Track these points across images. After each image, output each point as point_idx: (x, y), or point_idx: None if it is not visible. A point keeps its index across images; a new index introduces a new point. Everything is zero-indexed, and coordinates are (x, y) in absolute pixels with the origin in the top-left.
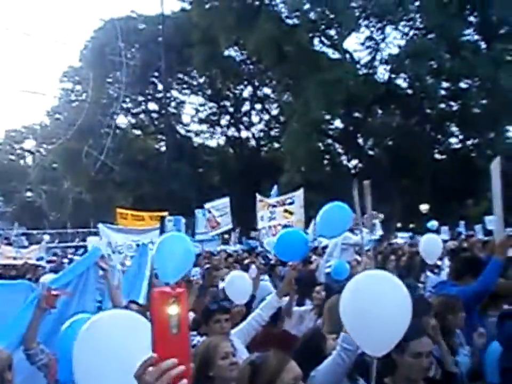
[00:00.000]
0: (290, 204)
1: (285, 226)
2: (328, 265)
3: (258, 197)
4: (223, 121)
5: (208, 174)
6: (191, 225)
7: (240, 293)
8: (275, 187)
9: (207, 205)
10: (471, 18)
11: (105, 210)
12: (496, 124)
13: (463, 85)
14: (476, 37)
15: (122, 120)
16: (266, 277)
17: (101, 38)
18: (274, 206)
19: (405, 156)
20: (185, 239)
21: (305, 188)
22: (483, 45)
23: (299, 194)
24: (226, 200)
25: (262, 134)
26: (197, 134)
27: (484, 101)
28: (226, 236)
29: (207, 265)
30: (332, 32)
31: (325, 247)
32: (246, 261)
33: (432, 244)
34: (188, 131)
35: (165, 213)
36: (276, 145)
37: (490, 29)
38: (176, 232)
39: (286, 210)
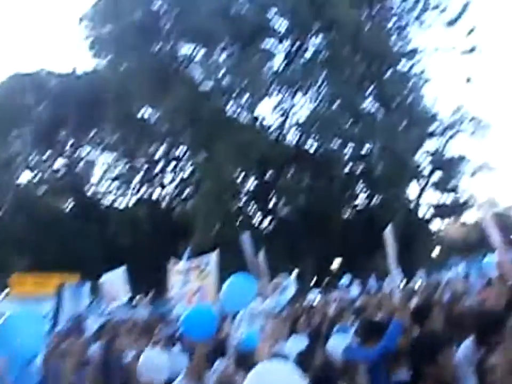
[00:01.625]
0: (204, 267)
1: (198, 290)
2: (238, 334)
3: (171, 260)
4: (135, 181)
5: (118, 236)
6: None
7: (156, 372)
8: (188, 249)
9: (102, 278)
10: (370, 91)
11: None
12: (396, 184)
13: (365, 149)
14: (376, 106)
15: (25, 177)
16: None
17: (5, 92)
18: (187, 269)
19: (316, 214)
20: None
21: (219, 249)
22: (382, 112)
23: (213, 256)
24: (121, 270)
25: (174, 194)
26: (106, 194)
27: (385, 164)
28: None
29: (109, 339)
30: (245, 97)
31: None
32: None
33: None
34: (97, 191)
35: (72, 277)
36: (189, 206)
37: (387, 99)
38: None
39: (200, 273)
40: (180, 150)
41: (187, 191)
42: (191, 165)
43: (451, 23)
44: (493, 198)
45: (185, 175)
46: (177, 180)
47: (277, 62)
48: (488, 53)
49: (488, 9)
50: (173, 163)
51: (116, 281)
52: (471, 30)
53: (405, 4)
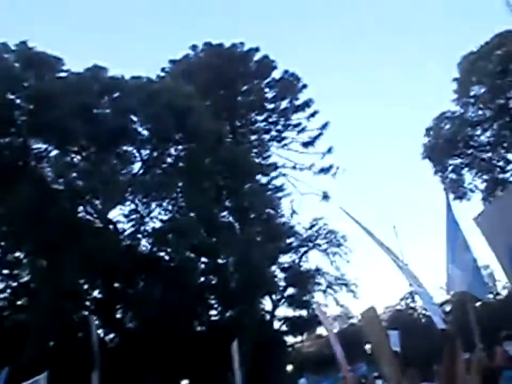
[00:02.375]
0: None
1: None
2: None
3: None
4: None
5: None
6: None
7: None
8: (4, 370)
9: None
10: (227, 203)
11: None
12: (251, 297)
13: (220, 261)
14: (231, 219)
15: None
16: None
17: None
18: None
19: (165, 329)
20: None
21: (54, 366)
22: (237, 226)
23: (43, 378)
24: None
25: (6, 302)
26: None
27: (239, 276)
28: None
29: None
30: (97, 202)
31: None
32: None
33: None
34: None
35: None
36: (23, 317)
37: (244, 211)
38: None
39: None
40: (18, 254)
41: (22, 299)
42: (29, 273)
43: (309, 143)
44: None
45: (21, 282)
46: (12, 286)
47: (135, 169)
48: (347, 169)
49: (347, 130)
50: (8, 268)
51: None
52: (329, 149)
53: (266, 121)
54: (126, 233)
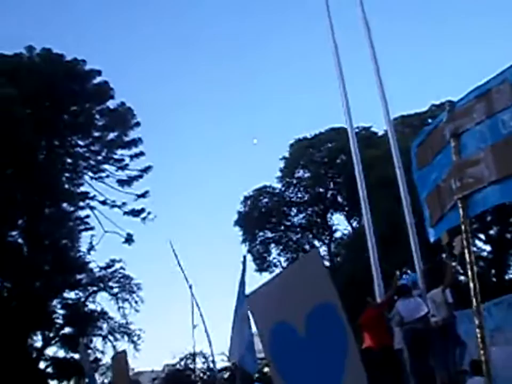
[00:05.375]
0: None
1: None
2: None
3: None
4: None
5: None
6: None
7: None
8: None
9: None
10: (21, 222)
11: None
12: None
13: None
14: (20, 240)
15: None
16: None
17: None
18: None
19: None
20: None
21: None
22: (25, 249)
23: None
24: None
25: None
26: None
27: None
28: None
29: None
30: None
31: None
32: None
33: None
34: None
35: None
36: None
37: (36, 237)
38: None
39: None
40: None
41: None
42: None
43: (126, 182)
44: None
45: None
46: None
47: None
48: (158, 217)
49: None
50: None
51: None
52: (145, 193)
53: (87, 148)
54: None
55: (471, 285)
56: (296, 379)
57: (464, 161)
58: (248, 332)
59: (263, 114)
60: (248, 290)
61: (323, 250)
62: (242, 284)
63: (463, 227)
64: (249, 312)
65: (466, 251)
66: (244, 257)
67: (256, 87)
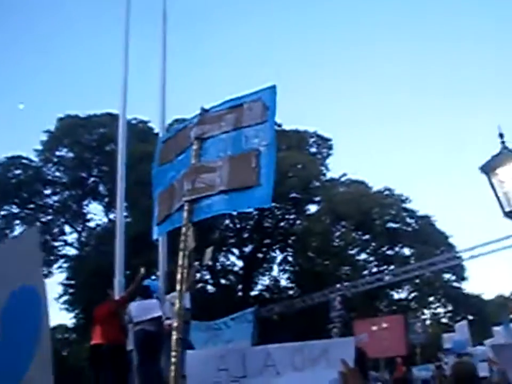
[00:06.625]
0: None
1: None
2: None
3: None
4: None
5: None
6: None
7: None
8: None
9: None
10: None
11: None
12: None
13: None
14: None
15: None
16: None
17: None
18: None
19: None
20: None
21: None
22: None
23: None
24: None
25: None
26: None
27: None
28: None
29: None
30: None
31: None
32: None
33: None
34: None
35: None
36: None
37: None
38: None
39: None
40: None
41: None
42: None
43: None
44: None
45: None
46: None
47: None
48: None
49: None
50: None
51: None
52: None
53: None
54: None
55: (178, 287)
56: None
57: (201, 165)
58: None
59: (36, 80)
60: None
61: (73, 238)
62: None
63: (183, 230)
64: None
65: (181, 254)
66: None
67: (39, 51)
